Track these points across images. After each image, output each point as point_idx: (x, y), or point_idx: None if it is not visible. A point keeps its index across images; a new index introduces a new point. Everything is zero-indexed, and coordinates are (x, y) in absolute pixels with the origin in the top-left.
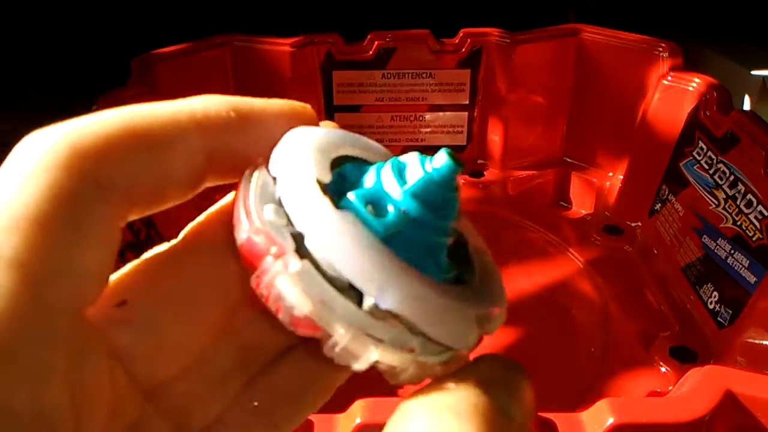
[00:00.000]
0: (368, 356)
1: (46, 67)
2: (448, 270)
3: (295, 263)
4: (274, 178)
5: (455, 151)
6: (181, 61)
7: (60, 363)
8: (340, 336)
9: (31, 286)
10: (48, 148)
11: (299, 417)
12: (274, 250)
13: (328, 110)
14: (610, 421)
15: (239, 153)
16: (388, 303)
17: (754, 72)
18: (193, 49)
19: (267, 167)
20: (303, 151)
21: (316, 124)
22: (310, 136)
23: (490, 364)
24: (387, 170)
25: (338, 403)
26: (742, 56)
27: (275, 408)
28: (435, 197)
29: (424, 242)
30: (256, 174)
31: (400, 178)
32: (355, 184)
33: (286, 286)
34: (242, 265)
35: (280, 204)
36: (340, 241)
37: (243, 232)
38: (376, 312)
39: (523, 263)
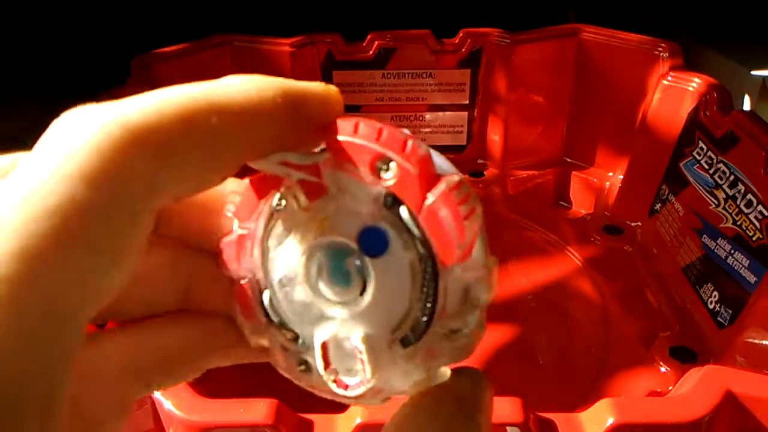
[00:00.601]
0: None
1: (46, 66)
2: None
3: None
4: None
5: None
6: (181, 61)
7: (66, 388)
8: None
9: (44, 304)
10: (96, 132)
11: (171, 382)
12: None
13: None
14: (610, 421)
15: (284, 140)
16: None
17: (754, 72)
18: (192, 49)
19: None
20: None
21: (341, 113)
22: None
23: (461, 378)
24: None
25: (338, 403)
26: (742, 56)
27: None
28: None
29: None
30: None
31: None
32: None
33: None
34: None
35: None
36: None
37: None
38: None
39: (523, 263)
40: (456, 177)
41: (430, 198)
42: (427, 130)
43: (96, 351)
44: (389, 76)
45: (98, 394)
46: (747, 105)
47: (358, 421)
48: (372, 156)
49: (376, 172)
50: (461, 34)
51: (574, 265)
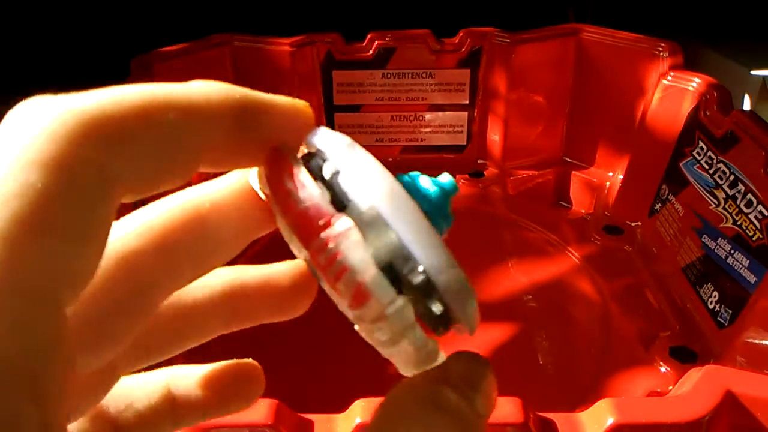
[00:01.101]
0: (405, 329)
1: (46, 66)
2: None
3: (359, 231)
4: (315, 157)
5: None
6: (181, 61)
7: (58, 366)
8: (391, 306)
9: (20, 296)
10: (52, 121)
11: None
12: (338, 219)
13: (328, 110)
14: (610, 421)
15: (241, 145)
16: (442, 278)
17: (754, 72)
18: (192, 49)
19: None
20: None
21: (314, 123)
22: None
23: (462, 361)
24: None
25: (338, 403)
26: (742, 56)
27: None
28: (446, 206)
29: None
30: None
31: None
32: None
33: (355, 251)
34: (296, 234)
35: (331, 180)
36: (410, 215)
37: (300, 203)
38: (423, 286)
39: (523, 263)
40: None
41: None
42: (427, 129)
43: None
44: (389, 75)
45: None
46: (747, 105)
47: (358, 420)
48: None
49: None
50: (461, 34)
51: (574, 265)
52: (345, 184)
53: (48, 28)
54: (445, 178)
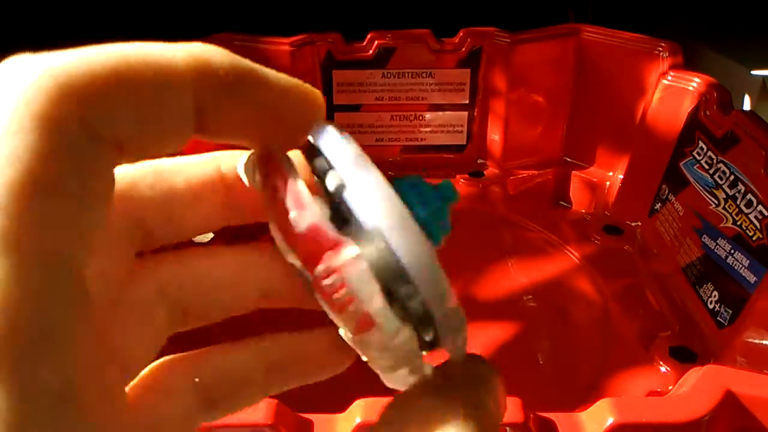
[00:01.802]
0: (408, 359)
1: None
2: None
3: (374, 256)
4: (319, 157)
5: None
6: None
7: (79, 326)
8: (397, 337)
9: (34, 268)
10: (29, 82)
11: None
12: (345, 246)
13: (328, 109)
14: (610, 421)
15: (233, 116)
16: (439, 312)
17: (754, 72)
18: None
19: (305, 151)
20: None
21: (324, 115)
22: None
23: (471, 364)
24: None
25: (338, 403)
26: (742, 56)
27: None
28: (445, 214)
29: None
30: (290, 161)
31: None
32: None
33: (363, 282)
34: (299, 255)
35: (334, 193)
36: (416, 245)
37: (299, 225)
38: (420, 315)
39: (523, 263)
40: None
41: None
42: (427, 129)
43: (165, 368)
44: (389, 75)
45: (165, 411)
46: (747, 105)
47: (358, 420)
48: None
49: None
50: (461, 34)
51: (574, 265)
52: (351, 202)
53: (48, 28)
54: (446, 185)
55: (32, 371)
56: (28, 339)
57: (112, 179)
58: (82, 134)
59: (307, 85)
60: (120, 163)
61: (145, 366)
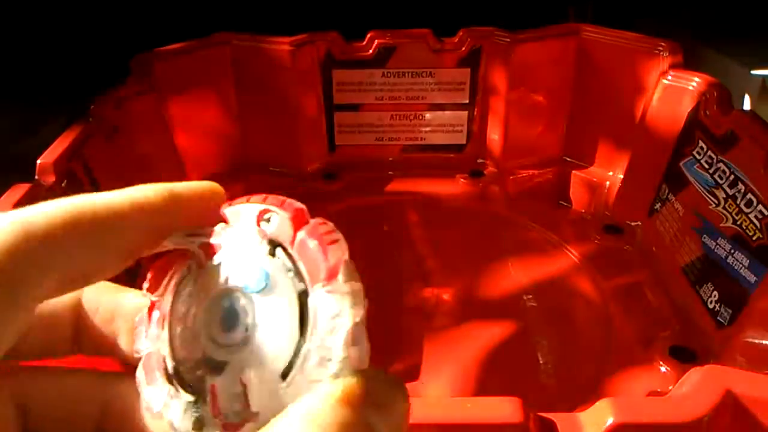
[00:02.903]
0: None
1: (46, 65)
2: None
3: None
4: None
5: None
6: (181, 60)
7: None
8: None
9: None
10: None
11: None
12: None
13: (328, 109)
14: (610, 421)
15: (171, 229)
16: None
17: (754, 72)
18: (193, 48)
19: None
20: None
21: (224, 201)
22: None
23: (366, 381)
24: None
25: None
26: (742, 56)
27: None
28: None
29: None
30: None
31: None
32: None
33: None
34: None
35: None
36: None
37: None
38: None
39: (523, 263)
40: (320, 219)
41: (300, 234)
42: (427, 129)
43: None
44: (389, 74)
45: None
46: (747, 105)
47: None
48: (257, 213)
49: (260, 225)
50: (461, 33)
51: (574, 264)
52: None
53: (49, 28)
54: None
55: None
56: None
57: (33, 305)
58: (31, 269)
59: (212, 183)
60: (64, 292)
61: None
